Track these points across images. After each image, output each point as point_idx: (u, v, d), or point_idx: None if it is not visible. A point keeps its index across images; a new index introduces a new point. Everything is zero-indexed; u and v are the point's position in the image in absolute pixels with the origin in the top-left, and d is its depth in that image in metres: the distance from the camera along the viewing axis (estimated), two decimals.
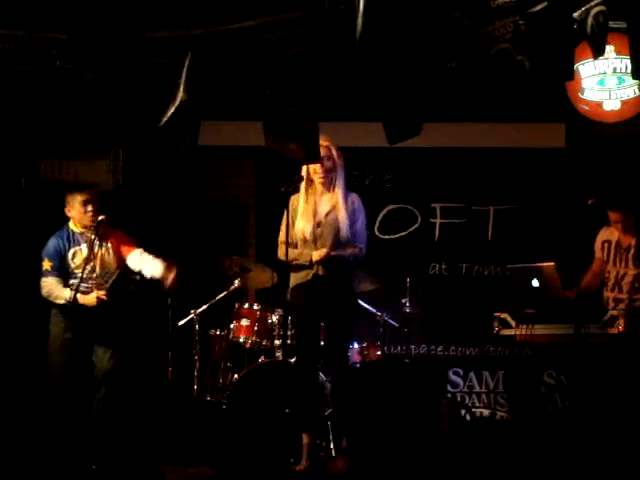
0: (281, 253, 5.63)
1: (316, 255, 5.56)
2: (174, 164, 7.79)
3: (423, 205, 7.91)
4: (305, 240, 5.63)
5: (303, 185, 5.67)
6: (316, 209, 5.64)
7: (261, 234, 7.82)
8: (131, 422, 6.26)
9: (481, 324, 7.12)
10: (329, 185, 5.65)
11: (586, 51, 5.72)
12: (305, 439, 5.68)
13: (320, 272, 5.61)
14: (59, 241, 6.05)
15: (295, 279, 5.71)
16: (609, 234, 6.36)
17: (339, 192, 5.64)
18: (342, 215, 5.59)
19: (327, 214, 5.62)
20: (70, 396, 5.96)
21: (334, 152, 5.63)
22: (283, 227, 5.64)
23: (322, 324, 5.82)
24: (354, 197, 5.76)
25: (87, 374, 6.06)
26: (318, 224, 5.61)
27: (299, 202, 5.67)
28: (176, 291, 6.51)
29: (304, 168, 5.65)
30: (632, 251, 6.20)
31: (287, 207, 5.65)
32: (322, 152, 5.49)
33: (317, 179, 5.62)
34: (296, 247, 5.67)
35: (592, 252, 6.43)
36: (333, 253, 5.57)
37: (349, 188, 5.84)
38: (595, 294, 6.33)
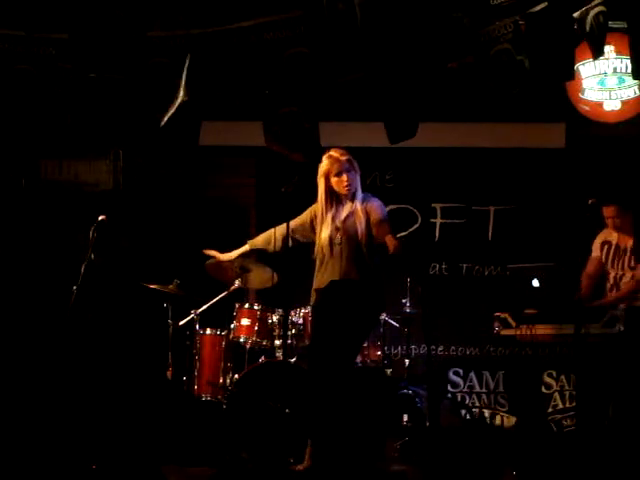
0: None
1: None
2: (174, 164, 7.83)
3: (423, 205, 7.89)
4: (325, 248, 5.61)
5: (323, 197, 5.67)
6: (335, 217, 5.65)
7: None
8: (132, 422, 6.25)
9: (481, 324, 7.11)
10: (351, 195, 5.67)
11: (586, 51, 5.74)
12: (311, 440, 5.63)
13: (353, 276, 5.55)
14: None
15: (322, 279, 5.65)
16: (608, 235, 6.37)
17: (357, 199, 5.66)
18: (360, 220, 5.59)
19: (345, 219, 5.63)
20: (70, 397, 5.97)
21: (355, 163, 5.66)
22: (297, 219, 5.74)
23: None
24: (373, 200, 5.75)
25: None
26: (337, 229, 5.62)
27: (320, 215, 5.70)
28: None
29: (321, 181, 5.65)
30: (630, 252, 6.22)
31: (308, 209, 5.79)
32: (346, 165, 5.56)
33: (344, 191, 5.63)
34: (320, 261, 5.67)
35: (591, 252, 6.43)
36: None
37: None
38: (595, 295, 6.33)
